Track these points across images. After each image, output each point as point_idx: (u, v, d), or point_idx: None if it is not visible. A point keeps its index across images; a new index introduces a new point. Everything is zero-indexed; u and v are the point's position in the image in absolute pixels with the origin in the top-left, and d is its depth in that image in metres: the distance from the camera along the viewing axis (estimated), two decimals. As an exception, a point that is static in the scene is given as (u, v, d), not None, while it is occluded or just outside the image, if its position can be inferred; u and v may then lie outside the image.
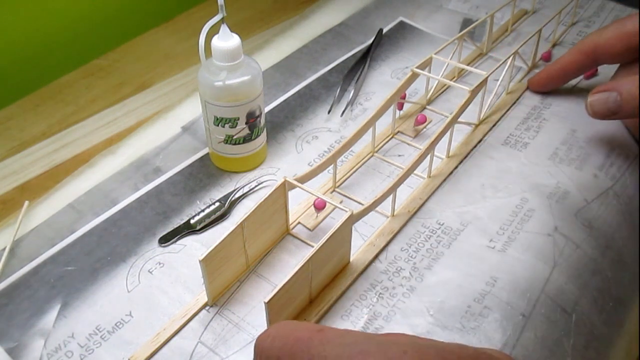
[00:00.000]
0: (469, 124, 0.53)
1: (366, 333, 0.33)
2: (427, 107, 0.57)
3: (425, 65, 0.53)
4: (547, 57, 0.63)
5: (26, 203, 0.48)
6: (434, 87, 0.57)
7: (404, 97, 0.55)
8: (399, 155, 0.52)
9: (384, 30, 0.67)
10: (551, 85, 0.57)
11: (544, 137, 0.53)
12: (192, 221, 0.46)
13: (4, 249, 0.44)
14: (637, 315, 0.42)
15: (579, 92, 0.58)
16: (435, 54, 0.53)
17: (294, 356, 0.29)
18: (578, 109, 0.56)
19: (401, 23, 0.69)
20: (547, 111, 0.56)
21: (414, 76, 0.52)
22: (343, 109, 0.56)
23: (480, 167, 0.50)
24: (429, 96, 0.57)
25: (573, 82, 0.59)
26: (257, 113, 0.47)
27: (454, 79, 0.60)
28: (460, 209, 0.47)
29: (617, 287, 0.43)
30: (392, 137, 0.53)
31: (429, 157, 0.48)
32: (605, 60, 0.53)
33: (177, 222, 0.46)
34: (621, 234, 0.46)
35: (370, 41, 0.65)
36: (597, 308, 0.42)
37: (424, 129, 0.54)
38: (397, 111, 0.55)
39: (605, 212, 0.47)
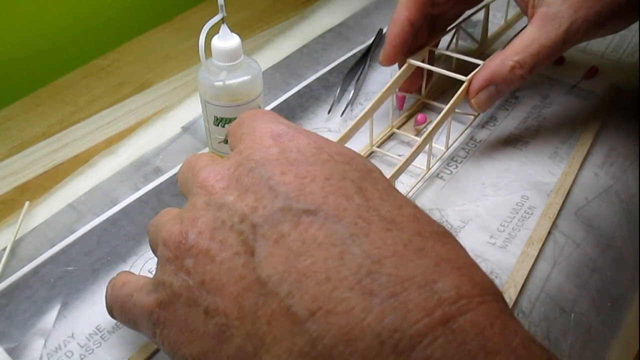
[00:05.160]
0: (467, 114, 0.53)
1: None
2: (426, 101, 0.56)
3: (422, 57, 0.53)
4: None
5: (27, 203, 0.48)
6: (432, 81, 0.57)
7: (404, 97, 0.55)
8: (399, 156, 0.52)
9: (384, 30, 0.67)
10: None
11: (544, 136, 0.53)
12: (192, 221, 0.46)
13: (4, 249, 0.44)
14: (636, 315, 0.42)
15: (579, 92, 0.58)
16: (432, 45, 0.53)
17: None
18: (578, 108, 0.56)
19: (401, 23, 0.69)
20: (548, 110, 0.56)
21: (410, 68, 0.52)
22: (343, 109, 0.56)
23: (480, 167, 0.50)
24: (427, 89, 0.56)
25: (573, 81, 0.59)
26: (257, 113, 0.47)
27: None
28: (460, 207, 0.47)
29: (615, 287, 0.43)
30: (390, 131, 0.53)
31: (428, 157, 0.48)
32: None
33: (177, 222, 0.46)
34: (621, 233, 0.46)
35: (370, 41, 0.65)
36: (595, 308, 0.41)
37: (424, 129, 0.54)
38: (397, 111, 0.55)
39: (606, 211, 0.47)
